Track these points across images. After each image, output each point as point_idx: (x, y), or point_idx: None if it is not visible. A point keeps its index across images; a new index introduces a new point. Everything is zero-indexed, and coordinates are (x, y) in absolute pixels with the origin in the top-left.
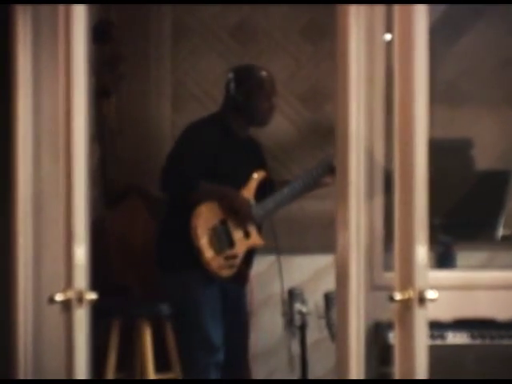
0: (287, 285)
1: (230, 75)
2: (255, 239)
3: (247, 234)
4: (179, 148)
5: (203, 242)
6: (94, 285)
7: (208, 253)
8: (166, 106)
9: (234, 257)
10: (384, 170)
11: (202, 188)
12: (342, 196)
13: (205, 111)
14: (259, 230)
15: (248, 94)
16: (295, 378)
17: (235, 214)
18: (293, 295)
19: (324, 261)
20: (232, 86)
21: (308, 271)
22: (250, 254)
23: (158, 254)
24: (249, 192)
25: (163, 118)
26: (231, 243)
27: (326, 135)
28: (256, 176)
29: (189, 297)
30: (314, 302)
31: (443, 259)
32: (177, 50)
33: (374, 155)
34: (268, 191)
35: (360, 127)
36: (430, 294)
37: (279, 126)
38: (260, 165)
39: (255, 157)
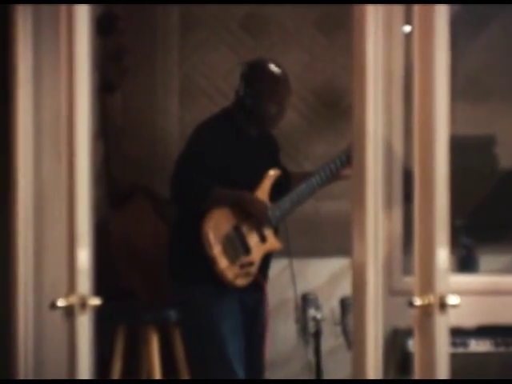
0: (301, 290)
1: (241, 71)
2: (272, 243)
3: (263, 238)
4: (189, 152)
5: (216, 250)
6: (98, 289)
7: (222, 262)
8: (173, 101)
9: (251, 264)
10: (403, 169)
11: (215, 194)
12: (359, 196)
13: (214, 107)
14: (276, 232)
15: (256, 97)
16: None
17: (250, 218)
18: (307, 301)
19: (340, 264)
20: (241, 85)
21: (323, 275)
22: (266, 260)
23: (170, 265)
24: (263, 193)
25: (170, 114)
26: (247, 250)
27: (341, 132)
28: (270, 175)
29: (205, 311)
30: (329, 307)
31: (465, 263)
32: (185, 42)
33: (392, 154)
34: (284, 189)
35: (378, 124)
36: (452, 300)
37: (292, 121)
38: (274, 162)
39: (269, 154)
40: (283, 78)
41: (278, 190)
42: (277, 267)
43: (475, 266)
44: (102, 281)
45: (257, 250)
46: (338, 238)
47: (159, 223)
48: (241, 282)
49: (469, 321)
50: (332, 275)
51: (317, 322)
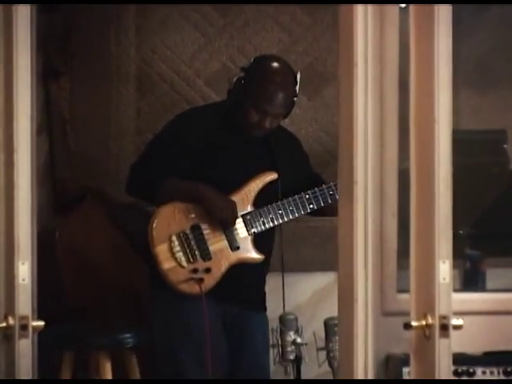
0: (278, 309)
1: (247, 65)
2: (248, 253)
3: (234, 245)
4: (157, 136)
5: (159, 248)
6: (42, 309)
7: (166, 262)
8: (129, 89)
9: (207, 271)
10: (398, 168)
11: (168, 186)
12: (346, 201)
13: (177, 96)
14: (261, 242)
15: (242, 101)
16: None
17: (213, 218)
18: (285, 322)
19: (323, 280)
20: (238, 80)
21: (304, 293)
22: (256, 271)
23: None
24: (244, 195)
25: (126, 104)
26: (205, 254)
27: (325, 126)
28: (261, 177)
29: (162, 321)
30: (311, 330)
31: (470, 278)
32: (142, 21)
33: (385, 150)
34: (280, 196)
35: (368, 116)
36: (455, 321)
37: None
38: (273, 166)
39: (267, 154)
40: (282, 89)
41: (273, 198)
42: None
43: (482, 282)
44: (47, 299)
45: (221, 256)
46: (321, 250)
47: (114, 231)
48: (188, 288)
49: (474, 346)
50: (315, 292)
51: (297, 346)
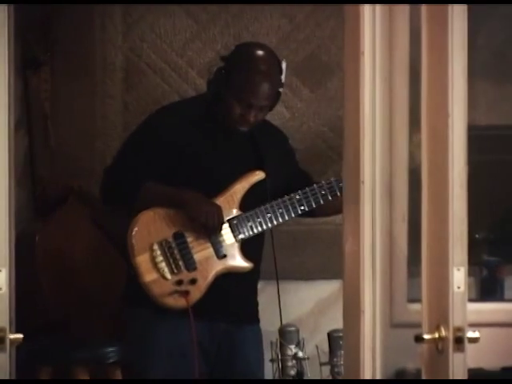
0: (277, 321)
1: (228, 54)
2: (235, 260)
3: (220, 253)
4: (132, 138)
5: (140, 259)
6: (20, 321)
7: (148, 274)
8: (115, 81)
9: (193, 282)
10: (408, 167)
11: (146, 191)
12: (351, 202)
13: (168, 88)
14: (249, 248)
15: (223, 94)
16: None
17: (197, 225)
18: (285, 335)
19: (327, 289)
20: (218, 70)
21: (306, 303)
22: (244, 280)
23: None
24: (230, 198)
25: (112, 97)
26: (190, 264)
27: (329, 120)
28: (247, 178)
29: (140, 341)
30: (314, 343)
31: (487, 287)
32: (130, 6)
33: (394, 147)
34: (275, 196)
35: (375, 109)
36: (470, 334)
37: None
38: (259, 163)
39: (253, 152)
40: (266, 79)
41: (262, 200)
42: None
43: (500, 291)
44: (25, 310)
45: (207, 265)
46: (325, 257)
47: (98, 235)
48: (173, 301)
49: (492, 361)
50: (317, 302)
51: (298, 361)
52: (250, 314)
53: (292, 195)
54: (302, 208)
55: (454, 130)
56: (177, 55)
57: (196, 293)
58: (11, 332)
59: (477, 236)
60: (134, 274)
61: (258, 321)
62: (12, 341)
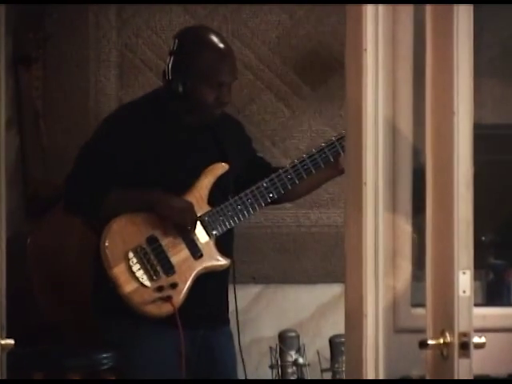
0: (277, 326)
1: (172, 43)
2: (212, 258)
3: (197, 252)
4: (87, 145)
5: (118, 270)
6: (12, 327)
7: (127, 284)
8: (109, 78)
9: (174, 286)
10: (412, 167)
11: (113, 199)
12: (354, 204)
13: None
14: (223, 244)
15: (191, 81)
16: None
17: (169, 225)
18: (285, 340)
19: (328, 293)
20: (167, 61)
21: (307, 307)
22: (218, 280)
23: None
24: (197, 193)
25: (106, 94)
26: (167, 267)
27: (330, 119)
28: (210, 170)
29: (124, 352)
30: (314, 349)
31: (494, 291)
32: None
33: (397, 147)
34: (237, 186)
35: (378, 108)
36: (476, 339)
37: (265, 105)
38: (221, 155)
39: (214, 145)
40: (228, 54)
41: (226, 193)
42: (245, 297)
43: (507, 295)
44: (17, 315)
45: (185, 267)
46: (326, 260)
47: (92, 238)
48: (156, 309)
49: (498, 367)
50: (318, 307)
51: (299, 367)
52: (224, 316)
53: (259, 184)
54: (271, 195)
55: (459, 128)
56: None
57: (178, 297)
58: (2, 337)
59: (483, 238)
60: (113, 285)
61: (229, 322)
62: (3, 346)
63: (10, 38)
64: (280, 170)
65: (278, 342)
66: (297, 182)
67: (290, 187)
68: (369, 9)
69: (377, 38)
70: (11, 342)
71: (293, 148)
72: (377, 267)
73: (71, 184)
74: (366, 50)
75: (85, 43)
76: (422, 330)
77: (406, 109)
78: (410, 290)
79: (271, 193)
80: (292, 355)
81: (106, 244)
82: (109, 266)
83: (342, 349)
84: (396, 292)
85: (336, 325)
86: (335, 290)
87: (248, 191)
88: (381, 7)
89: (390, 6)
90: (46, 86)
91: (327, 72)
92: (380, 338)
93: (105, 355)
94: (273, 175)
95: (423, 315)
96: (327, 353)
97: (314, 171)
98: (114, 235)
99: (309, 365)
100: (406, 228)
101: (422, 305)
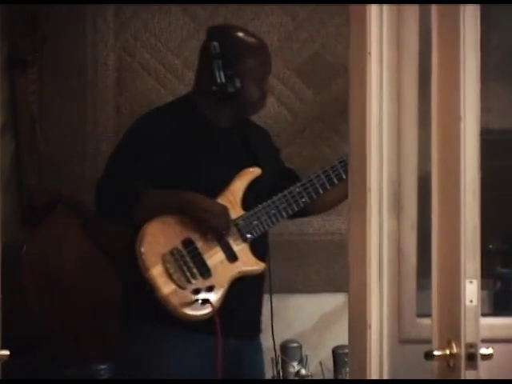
0: (279, 336)
1: (205, 42)
2: (247, 262)
3: (232, 256)
4: (120, 147)
5: (155, 271)
6: (7, 338)
7: (165, 286)
8: (107, 82)
9: (210, 289)
10: (417, 173)
11: (149, 199)
12: (357, 211)
13: (163, 90)
14: (258, 249)
15: (237, 78)
16: None
17: (205, 228)
18: (287, 351)
19: (331, 302)
20: (206, 59)
21: (309, 317)
22: (249, 287)
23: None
24: (232, 195)
25: (103, 99)
26: (204, 270)
27: (333, 124)
28: (244, 173)
29: (149, 359)
30: (317, 360)
31: (502, 300)
32: (124, 3)
33: (402, 152)
34: (269, 194)
35: (383, 112)
36: (483, 350)
37: (268, 109)
38: (253, 160)
39: (245, 150)
40: (264, 48)
41: (259, 197)
42: None
43: None
44: (12, 325)
45: (221, 271)
46: (329, 268)
47: (89, 245)
48: (194, 312)
49: (506, 378)
50: (321, 317)
51: (301, 378)
52: (258, 326)
53: (291, 188)
54: (303, 200)
55: (465, 134)
56: (172, 55)
57: (215, 300)
58: None
59: (490, 246)
60: (150, 288)
61: (261, 332)
62: None
63: (6, 40)
64: (311, 175)
65: (279, 353)
66: (328, 187)
67: (321, 191)
68: (373, 9)
69: (381, 40)
70: (6, 353)
71: (295, 154)
72: (381, 276)
73: (103, 187)
74: (370, 53)
75: (82, 46)
76: (427, 341)
77: (411, 113)
78: (416, 300)
79: (303, 197)
80: (294, 366)
81: (143, 246)
82: (145, 268)
83: (346, 360)
84: (401, 301)
85: (339, 335)
86: (338, 299)
87: (281, 195)
88: (385, 8)
89: (394, 7)
90: (42, 90)
91: (330, 75)
92: (384, 349)
93: (102, 366)
94: (304, 180)
95: (429, 325)
96: (330, 364)
97: (344, 177)
98: (150, 237)
99: (311, 376)
100: (411, 236)
101: (428, 315)
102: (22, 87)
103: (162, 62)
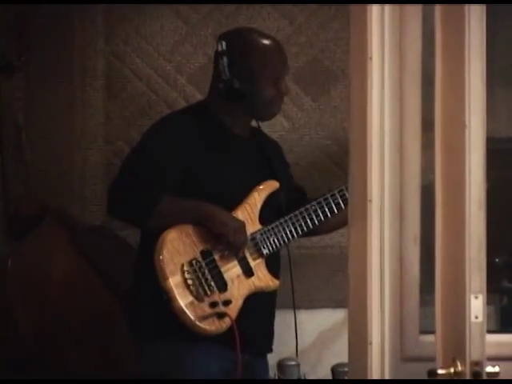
0: (277, 354)
1: (219, 45)
2: (263, 278)
3: (249, 271)
4: (135, 153)
5: (173, 282)
6: None
7: (183, 298)
8: (96, 88)
9: (227, 303)
10: (421, 183)
11: (165, 206)
12: (358, 223)
13: (155, 97)
14: (271, 265)
15: (246, 77)
16: None
17: (223, 242)
18: (284, 369)
19: (331, 319)
20: (222, 62)
21: (307, 334)
22: (268, 304)
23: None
24: (251, 209)
25: (92, 106)
26: (221, 284)
27: (333, 132)
28: (263, 187)
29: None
30: (316, 378)
31: (509, 316)
32: (113, 6)
33: (404, 162)
34: (287, 208)
35: (384, 120)
36: (489, 368)
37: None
38: (271, 173)
39: (263, 161)
40: (280, 49)
41: (277, 212)
42: None
43: None
44: None
45: (237, 285)
46: (328, 283)
47: (78, 259)
48: (210, 326)
49: None
50: (320, 334)
51: None
52: (270, 343)
53: (308, 206)
54: (319, 218)
55: (471, 142)
56: (164, 60)
57: (232, 315)
58: None
59: (496, 260)
60: (167, 298)
61: (271, 351)
62: None
63: None
64: (327, 194)
65: (276, 371)
66: (343, 206)
67: (336, 211)
68: (374, 14)
69: (383, 44)
70: None
71: (293, 163)
72: (382, 291)
73: (118, 187)
74: (371, 58)
75: (70, 51)
76: (431, 359)
77: (413, 121)
78: (418, 316)
79: (319, 215)
80: None
81: (162, 255)
82: (164, 277)
83: (345, 378)
84: (403, 317)
85: (339, 353)
86: (338, 315)
87: (297, 212)
88: (387, 9)
89: (396, 7)
90: (28, 97)
91: (329, 81)
92: (386, 368)
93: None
94: (320, 198)
95: (432, 342)
96: None
97: None
98: (170, 246)
99: None
100: (413, 249)
101: (431, 331)
102: (7, 94)
103: (154, 67)
